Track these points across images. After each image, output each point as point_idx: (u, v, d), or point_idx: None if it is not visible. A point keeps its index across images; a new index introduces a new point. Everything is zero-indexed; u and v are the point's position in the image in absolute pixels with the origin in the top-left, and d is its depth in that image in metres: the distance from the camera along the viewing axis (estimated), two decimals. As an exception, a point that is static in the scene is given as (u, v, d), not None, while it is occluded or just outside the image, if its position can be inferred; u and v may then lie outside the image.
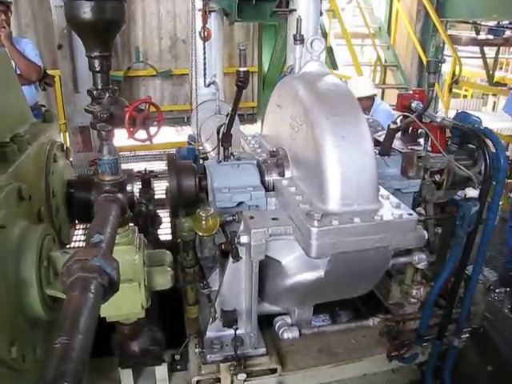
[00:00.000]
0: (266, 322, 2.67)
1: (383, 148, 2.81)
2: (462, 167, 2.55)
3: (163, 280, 1.93)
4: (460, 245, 2.49)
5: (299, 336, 2.53)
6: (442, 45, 9.36)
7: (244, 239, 2.14)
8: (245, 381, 2.43)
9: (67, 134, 7.64)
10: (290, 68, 2.76)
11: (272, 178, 2.54)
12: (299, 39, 2.45)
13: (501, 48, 11.30)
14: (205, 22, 4.65)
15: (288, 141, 2.52)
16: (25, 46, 5.01)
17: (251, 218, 2.18)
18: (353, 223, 1.97)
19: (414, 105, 2.82)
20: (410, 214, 2.06)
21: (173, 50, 9.76)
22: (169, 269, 1.97)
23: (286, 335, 2.51)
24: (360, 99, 3.95)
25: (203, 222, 2.24)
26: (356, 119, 2.16)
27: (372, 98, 5.72)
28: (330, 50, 8.42)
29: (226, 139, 2.61)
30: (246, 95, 9.65)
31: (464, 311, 2.70)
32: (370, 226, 1.99)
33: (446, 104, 8.71)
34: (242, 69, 2.30)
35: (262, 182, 2.54)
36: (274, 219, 2.19)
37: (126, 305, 1.78)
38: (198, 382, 2.45)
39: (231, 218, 2.37)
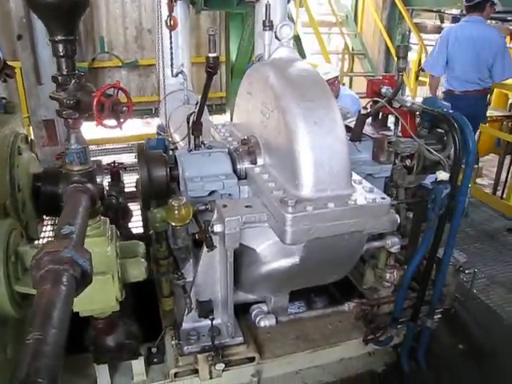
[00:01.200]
0: (242, 311, 2.66)
1: (354, 133, 2.82)
2: (432, 151, 2.59)
3: (137, 271, 1.90)
4: (432, 228, 2.52)
5: (276, 324, 2.53)
6: (407, 33, 9.47)
7: (218, 228, 2.10)
8: (223, 370, 2.42)
9: (31, 128, 7.40)
10: (259, 57, 2.73)
11: (244, 165, 2.51)
12: (268, 25, 2.42)
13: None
14: (171, 10, 4.56)
15: (259, 128, 2.49)
16: (-17, 37, 4.81)
17: (224, 206, 2.15)
18: (327, 208, 1.96)
19: (383, 90, 2.83)
20: (383, 198, 2.07)
21: (138, 39, 9.55)
22: (142, 260, 1.94)
23: (262, 323, 2.50)
24: None
25: (176, 212, 2.20)
26: (328, 105, 2.15)
27: (336, 82, 5.67)
28: (297, 39, 8.39)
29: (196, 128, 2.56)
30: (215, 85, 9.53)
31: (436, 293, 2.74)
32: (344, 211, 1.99)
33: (413, 91, 8.82)
34: (211, 54, 2.26)
35: (234, 170, 2.51)
36: (247, 207, 2.16)
37: (100, 298, 1.73)
38: (175, 374, 2.43)
39: (204, 207, 2.34)
